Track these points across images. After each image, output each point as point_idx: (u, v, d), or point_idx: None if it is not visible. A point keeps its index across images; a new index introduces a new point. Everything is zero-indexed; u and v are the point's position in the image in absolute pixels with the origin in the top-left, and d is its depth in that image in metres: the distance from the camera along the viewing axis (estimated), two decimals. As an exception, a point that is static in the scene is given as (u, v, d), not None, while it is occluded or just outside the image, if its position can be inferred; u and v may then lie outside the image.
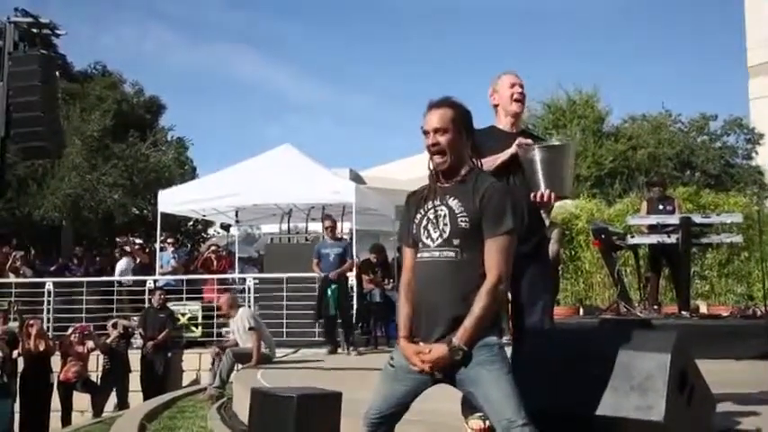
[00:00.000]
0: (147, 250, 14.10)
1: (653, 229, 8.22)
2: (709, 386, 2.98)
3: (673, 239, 7.89)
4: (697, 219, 8.09)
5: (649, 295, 8.65)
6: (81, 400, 9.65)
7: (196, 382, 9.94)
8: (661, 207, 8.67)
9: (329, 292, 9.10)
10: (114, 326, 10.20)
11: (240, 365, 7.63)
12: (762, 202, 18.77)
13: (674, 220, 8.07)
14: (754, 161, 21.85)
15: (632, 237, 8.50)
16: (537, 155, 3.31)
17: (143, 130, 20.72)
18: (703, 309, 10.28)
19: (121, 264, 12.10)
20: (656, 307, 8.36)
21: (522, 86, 3.54)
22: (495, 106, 3.59)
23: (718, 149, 21.51)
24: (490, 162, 3.25)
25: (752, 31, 26.59)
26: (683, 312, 7.81)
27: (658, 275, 8.76)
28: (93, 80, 22.03)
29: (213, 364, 8.37)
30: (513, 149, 3.36)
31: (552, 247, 7.24)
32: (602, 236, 8.39)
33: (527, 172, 3.30)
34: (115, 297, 11.37)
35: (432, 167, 2.70)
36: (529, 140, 3.42)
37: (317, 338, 10.02)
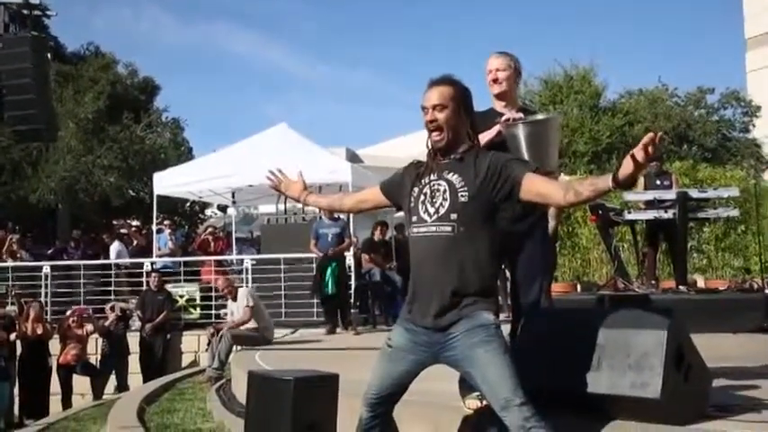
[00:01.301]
0: (144, 232, 14.09)
1: (650, 204, 8.20)
2: (705, 362, 2.98)
3: (670, 214, 7.88)
4: (694, 193, 8.08)
5: (647, 270, 8.67)
6: (81, 383, 9.69)
7: (195, 363, 9.99)
8: (658, 182, 8.66)
9: (329, 272, 9.11)
10: (112, 308, 10.22)
11: (238, 347, 7.64)
12: (759, 175, 18.79)
13: (670, 195, 8.05)
14: (751, 134, 21.81)
15: (629, 212, 8.48)
16: (520, 130, 3.26)
17: (137, 111, 20.60)
18: (701, 283, 10.31)
19: (114, 247, 12.10)
20: (653, 282, 8.36)
21: (498, 69, 3.50)
22: None
23: (716, 123, 21.44)
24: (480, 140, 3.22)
25: (749, 2, 26.37)
26: (681, 287, 7.82)
27: (656, 250, 8.76)
28: (85, 61, 21.84)
29: (209, 344, 8.40)
30: (497, 127, 3.33)
31: (549, 224, 7.24)
32: (600, 212, 8.38)
33: (511, 148, 3.27)
34: (113, 280, 11.38)
35: (429, 144, 2.70)
36: (518, 114, 3.39)
37: (315, 318, 10.06)
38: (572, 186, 2.49)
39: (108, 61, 22.02)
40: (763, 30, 22.21)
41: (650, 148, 2.22)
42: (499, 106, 3.53)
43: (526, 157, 3.20)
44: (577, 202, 2.51)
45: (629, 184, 2.34)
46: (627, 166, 2.28)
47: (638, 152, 2.24)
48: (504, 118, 3.35)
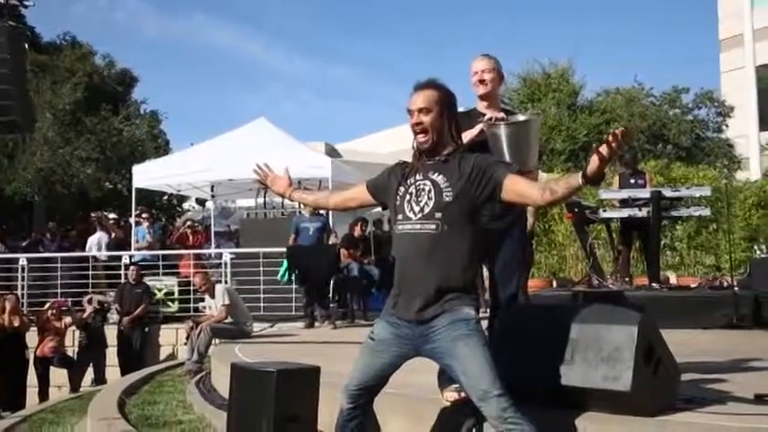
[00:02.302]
0: (122, 224, 14.02)
1: (624, 203, 8.36)
2: (675, 356, 3.09)
3: (644, 213, 8.04)
4: (667, 192, 8.25)
5: (621, 267, 8.82)
6: (58, 376, 9.65)
7: (173, 356, 9.99)
8: (633, 181, 8.83)
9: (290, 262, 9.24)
10: (90, 301, 10.18)
11: (218, 340, 7.68)
12: (731, 174, 19.08)
13: (644, 194, 8.22)
14: (724, 134, 22.09)
15: (604, 210, 8.64)
16: (502, 131, 3.37)
17: (115, 103, 20.44)
18: (673, 280, 10.49)
19: (93, 238, 12.03)
20: (627, 279, 8.53)
21: (483, 71, 3.59)
22: None
23: (690, 122, 21.69)
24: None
25: (724, 4, 26.71)
26: (654, 284, 7.98)
27: (629, 248, 8.92)
28: (62, 52, 21.59)
29: (188, 338, 8.41)
30: (480, 126, 3.43)
31: (528, 221, 7.36)
32: (576, 209, 8.52)
33: (492, 147, 3.37)
34: (90, 272, 11.32)
35: (415, 146, 2.80)
36: (500, 115, 3.49)
37: (293, 313, 10.11)
38: (548, 186, 2.60)
39: (85, 52, 21.81)
40: (736, 32, 22.51)
41: (614, 144, 2.35)
42: (482, 107, 3.62)
43: (507, 155, 3.30)
44: (553, 201, 2.62)
45: (598, 179, 2.48)
46: (594, 162, 2.43)
47: (603, 148, 2.38)
48: (486, 118, 3.45)
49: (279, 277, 9.43)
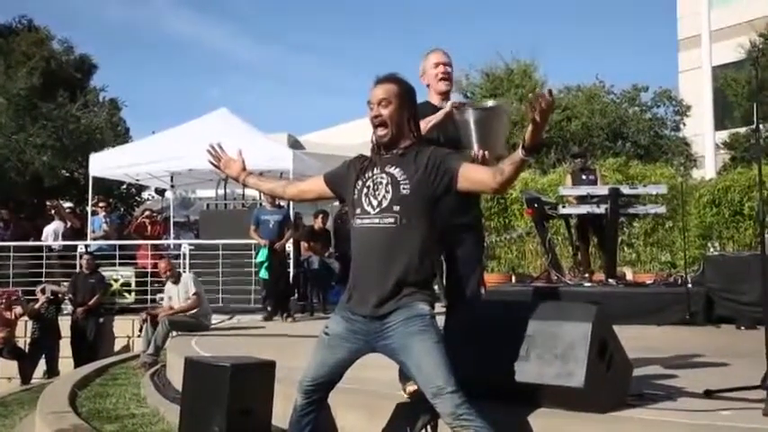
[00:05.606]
0: (79, 213, 13.73)
1: (582, 199, 8.46)
2: (629, 352, 3.13)
3: (601, 210, 8.15)
4: (625, 190, 8.38)
5: (582, 262, 8.94)
6: (8, 367, 9.44)
7: (127, 348, 9.83)
8: (583, 177, 9.00)
9: (263, 256, 9.16)
10: (42, 291, 9.97)
11: (175, 333, 7.57)
12: (688, 172, 19.44)
13: (603, 191, 8.33)
14: (681, 132, 22.48)
15: (563, 207, 8.73)
16: (471, 115, 3.36)
17: (73, 90, 19.95)
18: (629, 276, 10.64)
19: (50, 227, 11.77)
20: (585, 275, 8.64)
21: (447, 65, 3.58)
22: (427, 86, 3.62)
23: (649, 120, 22.01)
24: (423, 125, 3.29)
25: (682, 4, 27.13)
26: (610, 280, 8.10)
27: (587, 244, 9.03)
28: (18, 35, 21.00)
29: (141, 330, 8.26)
30: (447, 108, 3.41)
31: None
32: (535, 205, 8.60)
33: (462, 133, 3.36)
34: (44, 262, 11.08)
35: (374, 139, 2.79)
36: (465, 101, 3.51)
37: (252, 305, 10.03)
38: (498, 168, 2.61)
39: (42, 36, 21.24)
40: (695, 31, 22.87)
41: (543, 104, 2.37)
42: (437, 100, 3.59)
43: (475, 142, 3.31)
44: (505, 181, 2.58)
45: (537, 147, 2.49)
46: (528, 131, 2.46)
47: (533, 114, 2.40)
48: (452, 102, 3.43)
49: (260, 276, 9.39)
